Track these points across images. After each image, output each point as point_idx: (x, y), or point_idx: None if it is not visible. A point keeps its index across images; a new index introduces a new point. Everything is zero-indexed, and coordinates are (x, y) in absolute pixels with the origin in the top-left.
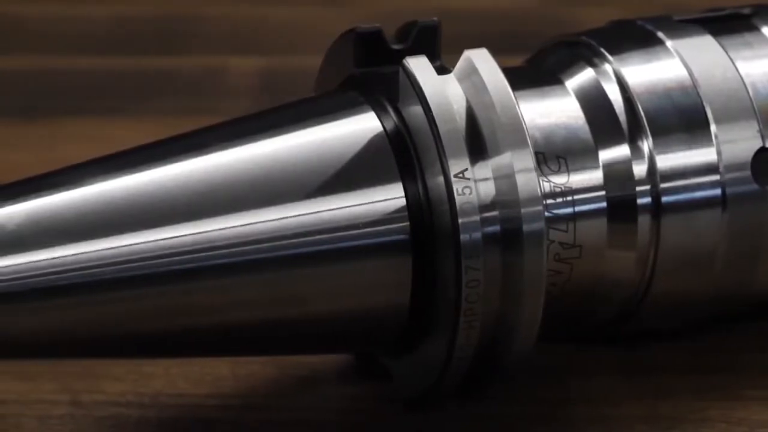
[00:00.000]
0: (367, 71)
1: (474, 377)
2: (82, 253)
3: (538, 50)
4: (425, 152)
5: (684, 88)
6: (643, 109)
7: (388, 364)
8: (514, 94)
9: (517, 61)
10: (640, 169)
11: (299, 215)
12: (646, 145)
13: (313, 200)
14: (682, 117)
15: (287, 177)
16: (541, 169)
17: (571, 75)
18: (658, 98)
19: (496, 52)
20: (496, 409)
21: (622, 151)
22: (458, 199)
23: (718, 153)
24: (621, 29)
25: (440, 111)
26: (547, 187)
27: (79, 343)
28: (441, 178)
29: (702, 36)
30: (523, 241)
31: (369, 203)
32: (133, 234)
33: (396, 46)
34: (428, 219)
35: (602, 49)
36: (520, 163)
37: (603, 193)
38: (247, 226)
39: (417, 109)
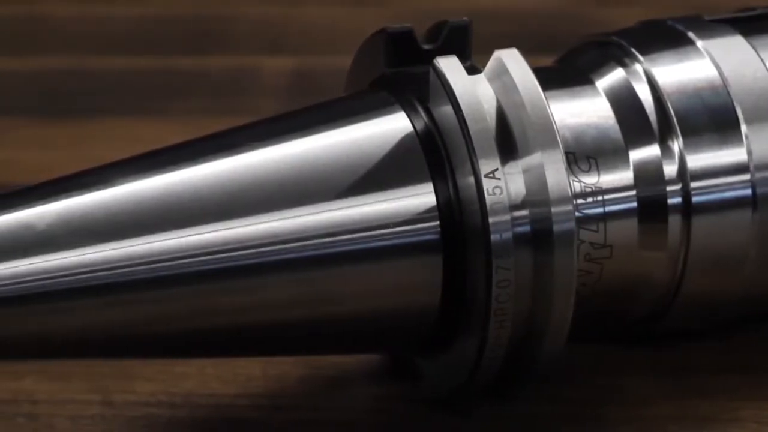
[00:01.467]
0: (397, 71)
1: (504, 377)
2: (113, 253)
3: (569, 50)
4: (456, 152)
5: (714, 88)
6: (673, 109)
7: (418, 364)
8: (544, 94)
9: (547, 61)
10: (670, 169)
11: (330, 215)
12: (676, 145)
13: (343, 200)
14: (712, 117)
15: (318, 177)
16: (571, 169)
17: (602, 75)
18: (689, 98)
19: (526, 52)
20: (526, 409)
21: (652, 151)
22: (489, 199)
23: (749, 153)
24: (651, 29)
25: (471, 111)
26: (577, 187)
27: (110, 343)
28: (471, 178)
29: (732, 36)
30: (553, 241)
31: (399, 203)
32: (164, 234)
33: (426, 46)
34: (459, 219)
35: (633, 49)
36: (551, 163)
37: (633, 193)
38: (278, 226)
39: (447, 109)
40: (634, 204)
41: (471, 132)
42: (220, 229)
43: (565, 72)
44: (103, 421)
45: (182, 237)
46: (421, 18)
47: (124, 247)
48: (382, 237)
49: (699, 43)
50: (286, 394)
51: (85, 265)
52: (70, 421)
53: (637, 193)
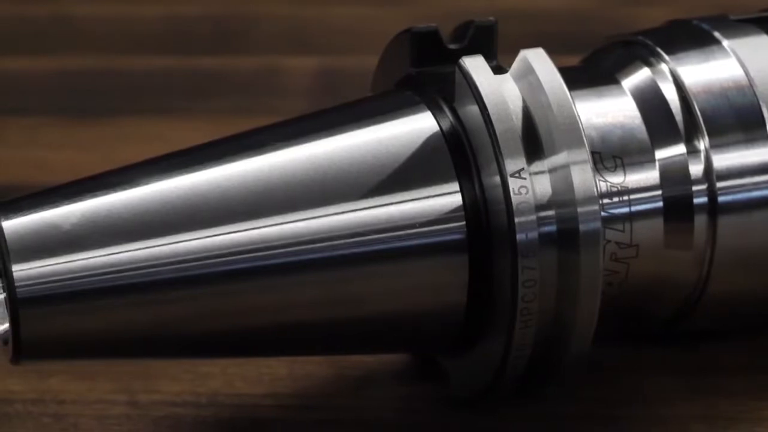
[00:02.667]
0: (423, 71)
1: (530, 377)
2: (138, 253)
3: (595, 50)
4: (481, 152)
5: (740, 88)
6: (699, 108)
7: (444, 364)
8: (570, 94)
9: (573, 60)
10: (696, 169)
11: (355, 215)
12: (702, 144)
13: (369, 200)
14: (738, 117)
15: (343, 177)
16: (597, 169)
17: (628, 75)
18: (715, 98)
19: (552, 52)
20: (551, 409)
21: (678, 150)
22: (514, 199)
23: None
24: (677, 29)
25: (497, 110)
26: (603, 186)
27: (136, 344)
28: (497, 178)
29: (758, 35)
30: (579, 241)
31: (425, 203)
32: (189, 233)
33: (452, 46)
34: (484, 218)
35: (658, 49)
36: (577, 163)
37: (659, 192)
38: (304, 226)
39: (473, 109)
40: (660, 204)
41: (497, 132)
42: (246, 229)
43: (590, 72)
44: (129, 421)
45: (208, 237)
46: (446, 18)
47: (150, 247)
48: (408, 237)
49: (725, 43)
50: (312, 394)
51: (111, 265)
52: (96, 420)
53: (663, 192)
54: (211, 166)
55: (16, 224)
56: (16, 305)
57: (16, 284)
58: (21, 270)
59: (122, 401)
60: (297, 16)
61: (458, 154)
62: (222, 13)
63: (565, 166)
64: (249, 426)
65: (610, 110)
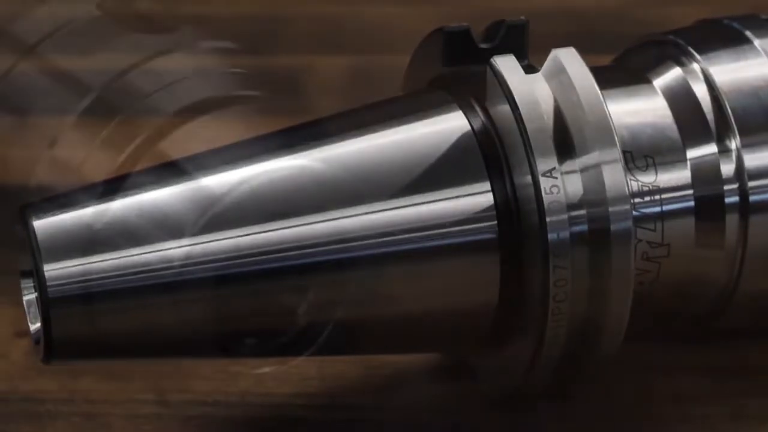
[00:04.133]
0: (454, 70)
1: (561, 376)
2: (169, 252)
3: (626, 49)
4: (513, 151)
5: None
6: (730, 107)
7: (475, 364)
8: (601, 93)
9: (605, 60)
10: (727, 168)
11: (386, 214)
12: (733, 143)
13: (400, 199)
14: None
15: (375, 176)
16: (628, 168)
17: (659, 74)
18: (746, 97)
19: (583, 51)
20: (582, 408)
21: (709, 149)
22: (546, 198)
23: None
24: (709, 28)
25: (528, 110)
26: (634, 185)
27: (167, 343)
28: (529, 177)
29: None
30: (610, 240)
31: (457, 202)
32: (219, 233)
33: (484, 45)
34: (516, 218)
35: (690, 48)
36: (608, 162)
37: (691, 192)
38: (334, 226)
39: (505, 108)
40: (692, 203)
41: (528, 131)
42: (277, 229)
43: (622, 71)
44: (159, 421)
45: (239, 236)
46: (478, 17)
47: (181, 247)
48: (439, 236)
49: (756, 42)
50: (342, 394)
51: (142, 265)
52: (126, 420)
53: (695, 192)
54: (241, 166)
55: (47, 224)
56: (47, 305)
57: (47, 284)
58: (52, 270)
59: (153, 401)
60: (329, 15)
61: (490, 153)
62: (254, 13)
63: (597, 166)
64: (279, 425)
65: (641, 109)
